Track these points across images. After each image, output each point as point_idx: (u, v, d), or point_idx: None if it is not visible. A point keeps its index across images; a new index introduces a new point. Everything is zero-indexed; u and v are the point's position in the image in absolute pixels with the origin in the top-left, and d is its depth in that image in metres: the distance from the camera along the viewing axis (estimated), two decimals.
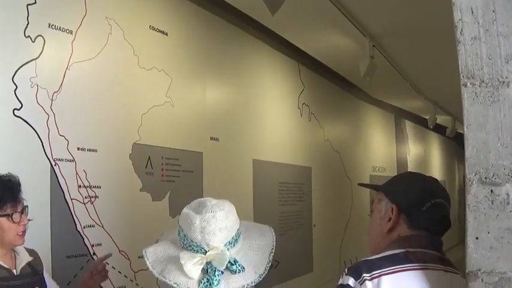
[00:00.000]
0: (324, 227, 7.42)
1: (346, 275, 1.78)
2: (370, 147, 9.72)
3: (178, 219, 2.11)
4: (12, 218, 2.36)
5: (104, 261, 2.85)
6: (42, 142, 3.29)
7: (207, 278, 1.91)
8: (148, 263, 2.01)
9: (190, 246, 1.97)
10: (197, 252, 1.95)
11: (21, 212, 2.43)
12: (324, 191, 7.48)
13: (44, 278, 2.63)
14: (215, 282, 1.90)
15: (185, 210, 2.05)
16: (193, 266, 1.91)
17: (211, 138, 4.97)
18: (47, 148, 3.32)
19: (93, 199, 3.62)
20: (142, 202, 4.08)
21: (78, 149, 3.53)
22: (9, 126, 3.10)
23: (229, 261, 1.94)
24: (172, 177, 4.38)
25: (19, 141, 3.16)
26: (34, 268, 2.57)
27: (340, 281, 1.79)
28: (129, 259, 3.87)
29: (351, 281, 1.75)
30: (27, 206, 2.49)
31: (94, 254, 3.60)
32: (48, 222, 3.31)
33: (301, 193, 6.84)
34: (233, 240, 2.02)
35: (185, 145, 4.57)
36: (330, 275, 7.43)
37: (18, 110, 3.14)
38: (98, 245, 3.62)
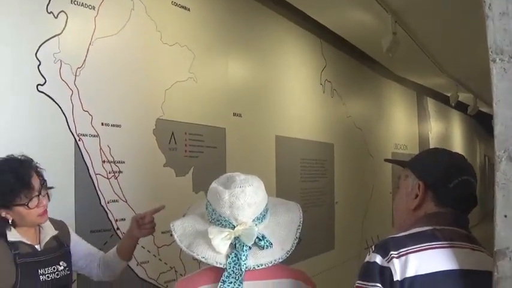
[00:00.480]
0: (346, 204, 7.37)
1: (373, 252, 1.74)
2: (392, 124, 9.62)
3: (206, 193, 2.08)
4: (28, 206, 2.33)
5: (153, 214, 2.78)
6: (66, 117, 3.27)
7: (235, 253, 1.88)
8: (175, 237, 1.99)
9: (219, 220, 1.95)
10: (225, 227, 1.93)
11: (38, 194, 2.37)
12: (346, 168, 7.42)
13: (69, 250, 2.61)
14: (243, 257, 1.87)
15: (214, 184, 2.02)
16: (221, 240, 1.89)
17: (234, 114, 4.93)
18: (71, 123, 3.31)
19: (117, 174, 3.61)
20: (166, 177, 4.06)
21: (102, 124, 3.52)
22: (33, 102, 3.09)
23: (257, 237, 1.91)
24: (195, 153, 4.36)
25: (43, 117, 3.14)
26: (60, 241, 2.55)
27: (367, 259, 1.74)
28: (152, 234, 3.84)
29: (378, 259, 1.70)
30: (45, 183, 2.43)
31: (118, 228, 3.59)
32: (73, 197, 3.31)
33: (324, 170, 6.79)
34: (261, 216, 1.99)
35: (208, 121, 4.54)
36: (351, 252, 7.44)
37: (42, 85, 3.12)
38: (122, 220, 3.61)
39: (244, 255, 1.88)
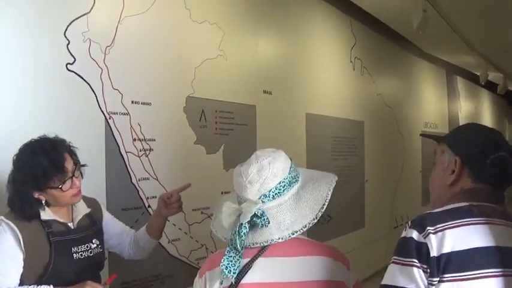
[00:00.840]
0: (376, 183, 7.30)
1: (409, 228, 1.68)
2: (422, 103, 9.48)
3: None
4: (61, 189, 2.30)
5: (179, 193, 2.73)
6: (96, 96, 3.25)
7: (235, 230, 1.84)
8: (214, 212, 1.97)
9: (235, 197, 1.94)
10: (238, 203, 1.90)
11: (72, 176, 2.34)
12: (377, 146, 7.34)
13: (102, 228, 2.60)
14: (241, 234, 1.82)
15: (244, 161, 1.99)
16: (228, 216, 1.86)
17: (264, 92, 4.88)
18: (101, 102, 3.29)
19: (147, 152, 3.59)
20: (197, 155, 4.04)
21: (132, 102, 3.49)
22: (63, 81, 3.07)
23: (256, 215, 1.84)
24: (226, 130, 4.33)
25: (73, 96, 3.12)
26: (92, 219, 2.53)
27: (404, 234, 1.68)
28: (183, 211, 3.81)
29: (414, 234, 1.64)
30: (78, 163, 2.40)
31: (149, 206, 3.58)
32: (104, 176, 3.30)
33: (354, 147, 6.73)
34: (271, 194, 1.89)
35: (238, 98, 4.50)
36: (381, 231, 7.39)
37: (71, 64, 3.10)
38: (153, 197, 3.58)
39: (242, 232, 1.82)
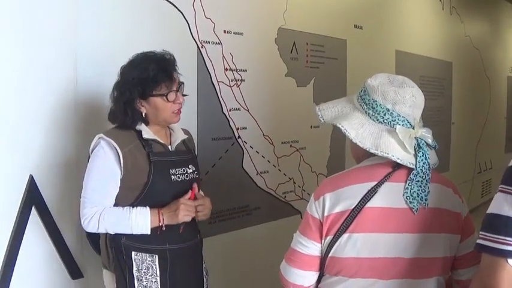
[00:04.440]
0: (462, 126, 7.02)
1: None
2: (509, 47, 9.00)
3: (364, 95, 1.84)
4: (167, 98, 2.24)
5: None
6: (188, 24, 3.15)
7: (422, 152, 1.73)
8: (352, 137, 1.77)
9: (394, 120, 1.76)
10: (403, 126, 1.76)
11: (177, 90, 2.29)
12: (464, 88, 7.04)
13: (196, 156, 2.52)
14: (428, 157, 1.74)
15: (378, 82, 1.80)
16: (409, 140, 1.73)
17: (355, 26, 4.68)
18: (194, 30, 3.18)
19: (239, 82, 3.48)
20: (287, 87, 3.90)
21: (225, 31, 3.37)
22: (156, 9, 2.97)
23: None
24: (316, 64, 4.16)
25: (166, 24, 3.03)
26: (188, 146, 2.46)
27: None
28: (272, 144, 3.74)
29: None
30: (182, 83, 2.34)
31: (239, 137, 3.49)
32: (195, 104, 3.22)
33: (442, 88, 6.45)
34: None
35: (329, 32, 4.31)
36: (465, 175, 7.15)
37: None
38: (243, 128, 3.50)
39: (429, 154, 1.75)
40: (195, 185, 2.31)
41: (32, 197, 2.40)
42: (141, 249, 2.20)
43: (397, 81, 1.79)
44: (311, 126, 4.04)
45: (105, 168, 2.18)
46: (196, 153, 2.58)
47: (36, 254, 2.45)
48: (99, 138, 2.20)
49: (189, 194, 2.26)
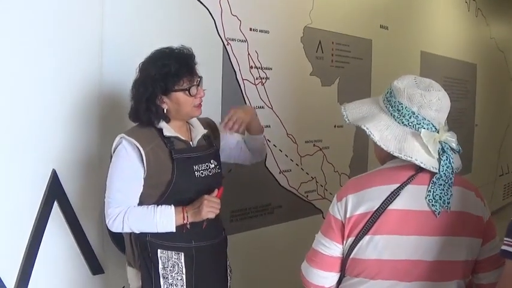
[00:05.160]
0: (485, 128, 6.95)
1: None
2: None
3: (389, 97, 1.80)
4: (189, 92, 2.22)
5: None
6: (215, 21, 3.13)
7: (446, 156, 1.71)
8: (376, 140, 1.73)
9: (419, 124, 1.73)
10: (428, 130, 1.74)
11: (197, 85, 2.27)
12: (487, 90, 6.97)
13: (218, 150, 2.48)
14: (452, 161, 1.71)
15: (404, 84, 1.77)
16: (433, 144, 1.71)
17: (381, 27, 4.64)
18: (220, 27, 3.16)
19: (264, 80, 3.45)
20: (312, 86, 3.87)
21: (251, 29, 3.35)
22: (183, 5, 2.95)
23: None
24: (341, 63, 4.13)
25: (192, 20, 3.01)
26: (209, 140, 2.43)
27: None
28: (296, 143, 3.71)
29: None
30: (201, 77, 2.31)
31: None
32: (220, 101, 3.20)
33: (466, 90, 6.40)
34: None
35: (355, 31, 4.28)
36: (487, 178, 7.07)
37: None
38: (267, 126, 3.45)
39: (453, 159, 1.72)
40: (222, 188, 2.27)
41: (54, 191, 2.40)
42: (166, 247, 2.19)
43: (423, 84, 1.76)
44: (335, 126, 4.00)
45: (128, 168, 2.16)
46: (221, 136, 2.54)
47: (58, 247, 2.44)
48: (121, 138, 2.18)
49: (216, 192, 2.23)
